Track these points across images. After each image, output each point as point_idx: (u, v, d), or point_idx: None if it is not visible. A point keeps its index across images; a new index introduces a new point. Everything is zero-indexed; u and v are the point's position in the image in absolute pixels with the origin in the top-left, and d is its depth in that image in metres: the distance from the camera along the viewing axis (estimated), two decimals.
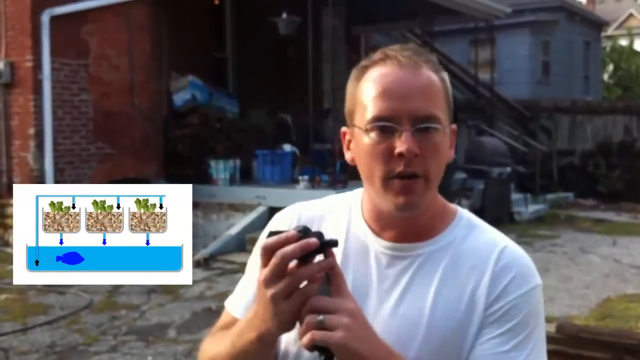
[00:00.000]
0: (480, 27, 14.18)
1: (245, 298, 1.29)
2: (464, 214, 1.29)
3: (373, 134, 1.15)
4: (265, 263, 1.04)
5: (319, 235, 1.05)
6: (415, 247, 1.22)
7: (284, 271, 1.03)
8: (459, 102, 15.24)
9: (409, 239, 1.22)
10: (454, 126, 1.24)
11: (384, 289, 1.21)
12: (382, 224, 1.23)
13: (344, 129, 1.26)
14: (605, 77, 27.93)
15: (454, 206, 1.30)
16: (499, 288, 1.17)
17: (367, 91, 1.18)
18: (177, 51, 10.33)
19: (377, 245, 1.24)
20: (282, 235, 1.04)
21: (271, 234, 1.07)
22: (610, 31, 31.67)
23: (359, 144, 1.19)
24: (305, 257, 1.03)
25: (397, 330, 1.17)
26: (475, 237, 1.24)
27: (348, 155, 1.25)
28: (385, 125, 1.14)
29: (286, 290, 1.03)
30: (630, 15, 35.95)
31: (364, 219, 1.27)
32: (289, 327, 1.07)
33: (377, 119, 1.15)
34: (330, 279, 1.06)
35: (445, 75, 1.23)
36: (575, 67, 21.98)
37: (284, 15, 10.96)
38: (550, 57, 20.64)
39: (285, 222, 1.32)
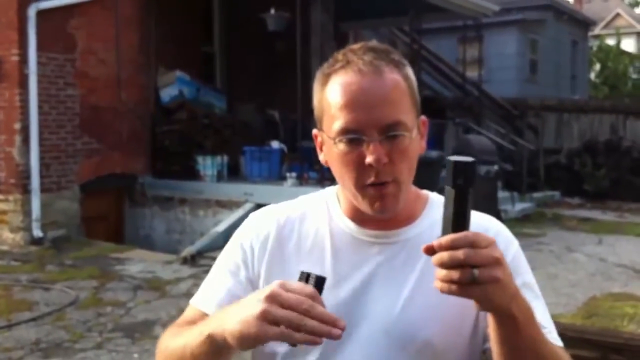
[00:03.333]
0: (469, 25, 14.20)
1: (217, 295, 1.28)
2: (435, 197, 1.35)
3: (342, 145, 1.18)
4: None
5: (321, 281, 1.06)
6: (400, 232, 1.26)
7: (293, 308, 1.00)
8: (446, 99, 15.31)
9: (392, 226, 1.26)
10: (423, 117, 1.27)
11: (382, 276, 1.23)
12: (363, 217, 1.25)
13: (315, 131, 1.28)
14: (592, 76, 28.08)
15: (424, 192, 1.35)
16: None
17: (332, 101, 1.19)
18: (165, 46, 10.28)
19: (364, 236, 1.27)
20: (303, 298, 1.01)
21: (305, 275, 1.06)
22: (597, 30, 31.82)
23: (329, 151, 1.22)
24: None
25: (404, 317, 1.20)
26: None
27: (321, 157, 1.28)
28: (352, 137, 1.16)
29: (282, 321, 1.00)
30: (618, 14, 36.14)
31: (345, 214, 1.29)
32: (248, 345, 1.05)
33: (344, 131, 1.17)
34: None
35: (409, 71, 1.24)
36: (563, 66, 22.08)
37: (273, 11, 10.93)
38: (538, 56, 20.72)
39: (263, 227, 1.32)
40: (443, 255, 0.97)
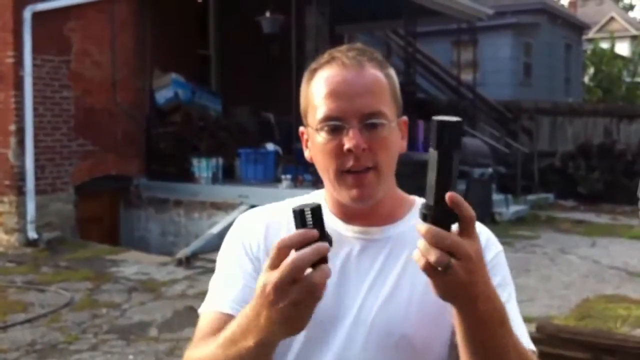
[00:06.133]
0: (463, 28, 14.23)
1: (231, 291, 1.27)
2: (422, 201, 1.35)
3: (324, 133, 1.23)
4: (275, 264, 0.99)
5: (323, 232, 1.00)
6: (383, 230, 1.28)
7: (298, 277, 0.98)
8: (441, 102, 15.34)
9: (376, 224, 1.29)
10: (405, 118, 1.32)
11: (363, 273, 1.26)
12: (348, 214, 1.28)
13: (301, 128, 1.34)
14: (586, 79, 28.16)
15: (412, 197, 1.38)
16: None
17: (316, 92, 1.25)
18: (160, 48, 10.29)
19: (349, 232, 1.29)
20: (300, 234, 0.98)
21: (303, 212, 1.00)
22: (591, 34, 31.92)
23: (313, 142, 1.27)
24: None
25: (385, 311, 1.23)
26: None
27: (307, 154, 1.32)
28: (334, 124, 1.21)
29: (299, 299, 0.98)
30: (612, 18, 36.26)
31: (331, 212, 1.31)
32: (298, 331, 1.04)
33: (326, 118, 1.22)
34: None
35: (392, 71, 1.29)
36: (557, 69, 22.15)
37: (268, 14, 10.95)
38: (532, 59, 20.77)
39: (254, 227, 1.34)
40: (432, 229, 0.97)
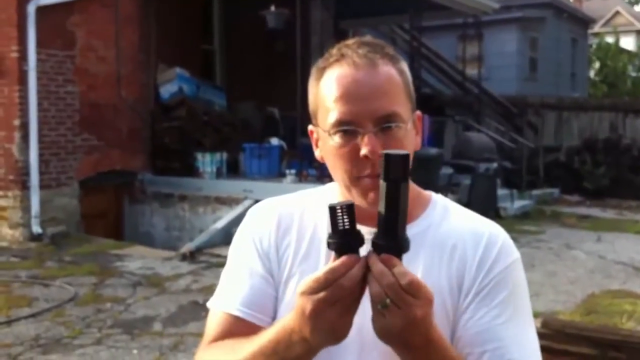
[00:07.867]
0: (469, 22, 14.20)
1: (240, 292, 1.27)
2: (439, 199, 1.32)
3: (337, 137, 1.18)
4: (315, 291, 1.01)
5: (358, 238, 1.04)
6: None
7: (342, 296, 1.01)
8: (446, 97, 15.31)
9: None
10: (418, 112, 1.27)
11: None
12: (361, 215, 1.20)
13: (310, 127, 1.28)
14: (592, 74, 28.07)
15: (428, 192, 1.33)
16: (486, 264, 1.22)
17: (326, 94, 1.19)
18: (164, 43, 10.27)
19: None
20: (343, 262, 1.01)
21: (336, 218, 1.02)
22: (596, 28, 31.81)
23: (324, 145, 1.22)
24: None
25: None
26: (453, 219, 1.29)
27: (317, 153, 1.27)
28: (347, 129, 1.16)
29: (344, 311, 1.02)
30: (617, 12, 36.12)
31: None
32: (344, 337, 1.06)
33: (339, 123, 1.17)
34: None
35: (404, 65, 1.24)
36: (562, 64, 22.08)
37: (273, 9, 10.93)
38: (538, 54, 20.72)
39: (264, 221, 1.32)
40: (378, 267, 1.00)
